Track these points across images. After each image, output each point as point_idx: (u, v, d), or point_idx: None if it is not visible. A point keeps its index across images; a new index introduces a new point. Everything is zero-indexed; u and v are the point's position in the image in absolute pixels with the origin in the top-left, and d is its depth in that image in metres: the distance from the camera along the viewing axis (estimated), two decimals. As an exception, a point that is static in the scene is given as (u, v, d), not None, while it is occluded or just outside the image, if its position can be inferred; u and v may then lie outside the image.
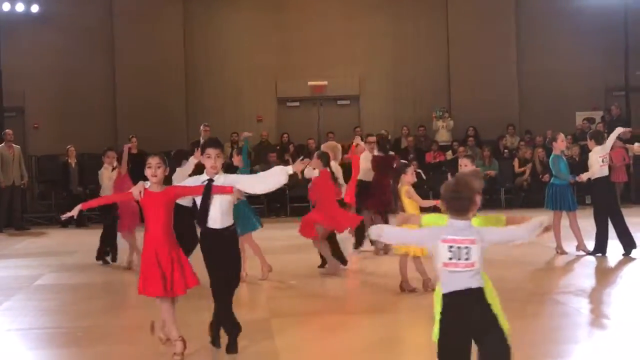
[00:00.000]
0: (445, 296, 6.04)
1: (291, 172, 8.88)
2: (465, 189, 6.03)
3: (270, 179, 9.02)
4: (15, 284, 14.48)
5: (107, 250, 16.36)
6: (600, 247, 15.49)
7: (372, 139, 17.24)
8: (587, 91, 29.30)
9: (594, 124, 27.81)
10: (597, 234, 15.56)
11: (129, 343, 9.96)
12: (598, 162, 15.61)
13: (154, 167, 8.72)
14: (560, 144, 16.31)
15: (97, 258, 16.33)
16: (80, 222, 23.46)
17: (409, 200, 12.23)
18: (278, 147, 27.68)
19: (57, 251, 19.10)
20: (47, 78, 28.29)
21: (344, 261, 14.67)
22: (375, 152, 16.91)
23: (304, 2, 29.57)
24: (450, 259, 5.93)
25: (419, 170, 25.35)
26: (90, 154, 26.50)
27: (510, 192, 26.72)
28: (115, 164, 16.07)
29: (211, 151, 8.86)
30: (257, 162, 26.71)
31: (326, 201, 13.92)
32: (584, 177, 15.74)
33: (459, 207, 5.98)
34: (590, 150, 16.05)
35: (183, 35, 29.08)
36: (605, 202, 15.67)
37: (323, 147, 15.29)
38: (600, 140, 15.82)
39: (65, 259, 17.53)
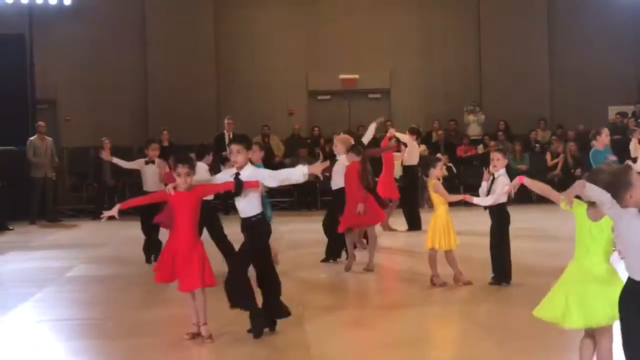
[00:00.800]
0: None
1: (306, 172, 9.32)
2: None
3: (289, 178, 9.60)
4: (46, 275, 14.58)
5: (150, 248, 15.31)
6: None
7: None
8: (619, 85, 29.11)
9: (627, 118, 27.63)
10: None
11: (158, 335, 9.99)
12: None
13: (183, 176, 9.16)
14: (605, 139, 16.14)
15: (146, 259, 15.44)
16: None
17: (436, 194, 12.21)
18: (309, 140, 27.69)
19: (89, 243, 19.23)
20: (80, 71, 28.42)
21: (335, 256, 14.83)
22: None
23: (335, -5, 29.58)
24: None
25: (450, 164, 25.42)
26: (121, 146, 26.63)
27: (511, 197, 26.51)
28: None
29: (233, 147, 9.40)
30: (288, 155, 26.78)
31: (350, 193, 13.74)
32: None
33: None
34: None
35: (214, 28, 29.11)
36: None
37: (336, 140, 15.20)
38: None
39: (97, 251, 17.63)
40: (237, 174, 9.34)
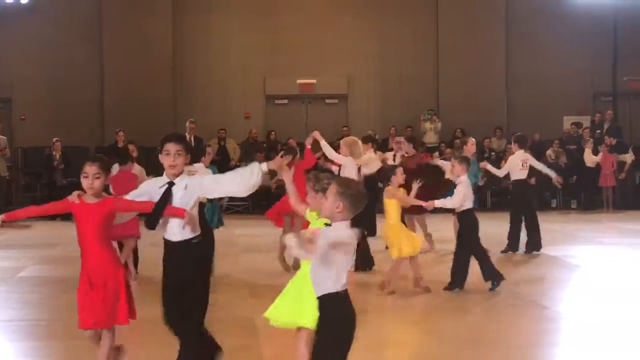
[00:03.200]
0: None
1: (266, 169, 7.42)
2: None
3: (242, 181, 7.37)
4: (-3, 275, 14.43)
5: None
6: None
7: (400, 139, 17.56)
8: (575, 96, 29.40)
9: (581, 129, 27.92)
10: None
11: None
12: (518, 166, 16.56)
13: (90, 177, 7.28)
14: (471, 148, 17.07)
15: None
16: (65, 215, 23.39)
17: (391, 201, 12.18)
18: (265, 145, 27.65)
19: (41, 243, 19.07)
20: (35, 70, 28.21)
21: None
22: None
23: (295, 0, 29.51)
24: None
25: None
26: (76, 146, 26.50)
27: (496, 195, 26.73)
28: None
29: (170, 147, 7.29)
30: (244, 159, 26.70)
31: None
32: (488, 167, 17.20)
33: None
34: (512, 153, 16.98)
35: (172, 29, 29.02)
36: (522, 203, 16.80)
37: (342, 142, 15.17)
38: (523, 145, 16.78)
39: (49, 252, 17.50)
40: (170, 183, 7.29)
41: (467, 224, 12.41)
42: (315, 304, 5.85)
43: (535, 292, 12.61)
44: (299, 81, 28.95)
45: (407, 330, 10.58)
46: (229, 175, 7.55)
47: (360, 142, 15.26)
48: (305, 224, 14.28)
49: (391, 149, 26.96)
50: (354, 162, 14.45)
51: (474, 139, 17.39)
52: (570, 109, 29.28)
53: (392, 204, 12.22)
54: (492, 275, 12.30)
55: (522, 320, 10.78)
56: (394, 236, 12.23)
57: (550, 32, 29.29)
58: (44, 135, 26.87)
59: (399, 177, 12.33)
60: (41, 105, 28.32)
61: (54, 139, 25.18)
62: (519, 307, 11.48)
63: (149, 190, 7.35)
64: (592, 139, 26.67)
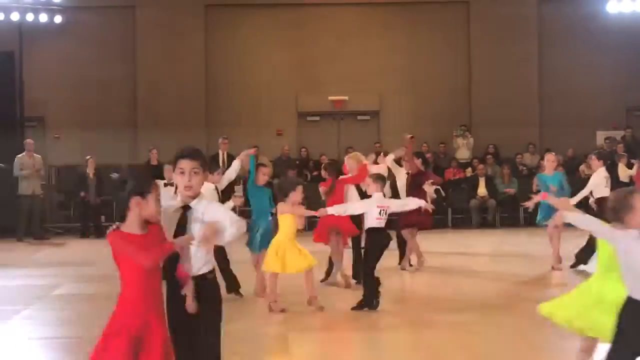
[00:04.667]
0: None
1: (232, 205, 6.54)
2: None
3: (230, 231, 6.24)
4: (34, 293, 14.51)
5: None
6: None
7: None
8: (608, 110, 29.22)
9: (615, 144, 27.75)
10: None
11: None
12: (603, 183, 16.03)
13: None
14: (550, 164, 16.79)
15: None
16: (100, 232, 23.57)
17: (284, 216, 12.04)
18: (297, 162, 27.67)
19: (76, 261, 19.18)
20: (69, 88, 28.40)
21: None
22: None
23: (326, 17, 29.55)
24: None
25: (438, 187, 25.41)
26: (110, 164, 26.67)
27: (529, 211, 26.57)
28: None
29: (185, 164, 6.30)
30: (277, 176, 26.72)
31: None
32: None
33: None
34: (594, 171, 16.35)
35: (204, 47, 29.15)
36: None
37: (347, 159, 15.22)
38: (606, 160, 16.45)
39: (84, 269, 17.57)
40: (186, 207, 6.29)
41: (370, 240, 12.29)
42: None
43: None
44: (330, 98, 28.97)
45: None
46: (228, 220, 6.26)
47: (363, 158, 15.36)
48: (345, 239, 14.39)
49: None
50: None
51: (553, 154, 16.91)
52: (603, 124, 29.09)
53: (286, 219, 12.06)
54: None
55: (539, 335, 10.70)
56: (275, 251, 12.01)
57: (582, 46, 29.16)
58: (78, 154, 27.00)
59: (297, 194, 12.08)
60: (75, 124, 28.48)
61: (87, 157, 25.28)
62: (537, 323, 11.38)
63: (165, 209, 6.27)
64: (626, 154, 26.48)
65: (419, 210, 13.46)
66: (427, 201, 13.85)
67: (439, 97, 29.39)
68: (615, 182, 25.91)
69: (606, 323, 6.74)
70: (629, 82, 29.02)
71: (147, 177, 6.29)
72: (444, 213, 25.53)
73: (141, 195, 6.00)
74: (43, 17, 26.98)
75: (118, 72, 28.70)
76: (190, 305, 6.11)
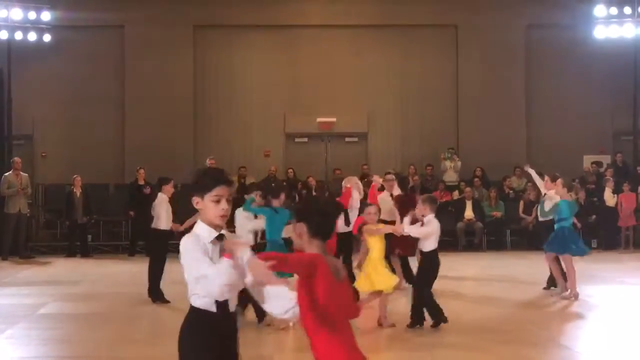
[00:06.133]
0: None
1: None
2: None
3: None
4: (18, 312, 14.45)
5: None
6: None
7: (391, 177, 16.95)
8: (595, 135, 29.34)
9: (602, 168, 27.88)
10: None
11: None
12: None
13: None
14: (561, 190, 16.29)
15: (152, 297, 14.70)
16: (85, 252, 23.50)
17: (371, 237, 12.40)
18: (285, 183, 27.64)
19: (62, 280, 19.08)
20: (57, 107, 28.38)
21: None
22: (395, 191, 16.64)
23: (314, 39, 29.59)
24: None
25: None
26: (97, 184, 26.65)
27: (516, 234, 26.65)
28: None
29: (223, 191, 5.58)
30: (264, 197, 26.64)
31: None
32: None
33: None
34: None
35: (193, 67, 29.19)
36: None
37: (345, 182, 15.23)
38: None
39: (69, 289, 17.48)
40: (220, 236, 5.54)
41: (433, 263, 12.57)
42: None
43: (555, 331, 12.57)
44: (319, 119, 28.99)
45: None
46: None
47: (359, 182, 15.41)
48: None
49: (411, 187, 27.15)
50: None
51: (561, 179, 16.43)
52: (590, 148, 29.20)
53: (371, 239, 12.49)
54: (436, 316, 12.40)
55: (542, 359, 10.73)
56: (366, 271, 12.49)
57: (570, 71, 29.26)
58: (65, 172, 26.94)
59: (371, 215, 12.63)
60: (62, 142, 28.46)
61: (74, 176, 25.22)
62: (538, 346, 11.41)
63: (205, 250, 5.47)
64: (612, 178, 26.53)
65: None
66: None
67: (427, 119, 29.47)
68: (601, 206, 26.23)
69: None
70: (616, 106, 29.14)
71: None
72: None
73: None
74: (32, 36, 26.96)
75: (106, 91, 28.69)
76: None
